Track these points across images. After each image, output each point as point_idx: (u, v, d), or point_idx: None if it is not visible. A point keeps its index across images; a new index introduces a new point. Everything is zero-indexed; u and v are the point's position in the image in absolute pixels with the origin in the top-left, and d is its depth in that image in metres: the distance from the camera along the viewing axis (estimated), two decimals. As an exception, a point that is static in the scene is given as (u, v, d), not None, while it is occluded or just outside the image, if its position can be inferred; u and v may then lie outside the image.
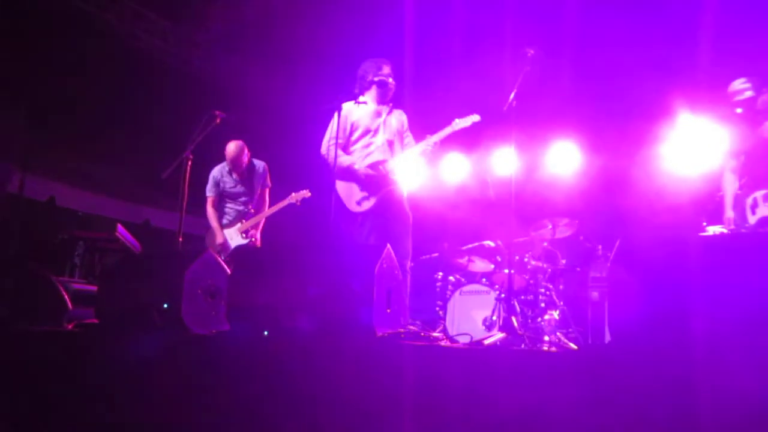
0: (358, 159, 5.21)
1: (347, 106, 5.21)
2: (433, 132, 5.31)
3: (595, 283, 6.56)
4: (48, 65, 7.79)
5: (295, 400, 3.10)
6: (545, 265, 6.70)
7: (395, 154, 5.33)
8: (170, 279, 3.93)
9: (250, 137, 6.70)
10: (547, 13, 7.40)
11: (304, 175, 6.74)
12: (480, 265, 7.10)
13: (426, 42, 8.14)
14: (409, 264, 5.24)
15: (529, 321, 6.31)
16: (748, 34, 6.38)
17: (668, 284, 2.95)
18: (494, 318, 6.12)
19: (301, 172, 6.92)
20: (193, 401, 3.31)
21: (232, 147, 6.47)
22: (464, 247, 7.13)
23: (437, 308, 6.94)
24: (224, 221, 6.55)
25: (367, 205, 5.13)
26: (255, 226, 6.53)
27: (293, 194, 6.46)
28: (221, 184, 6.57)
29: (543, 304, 6.41)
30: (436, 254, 7.40)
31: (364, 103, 5.30)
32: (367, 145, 5.27)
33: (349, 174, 5.15)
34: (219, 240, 6.44)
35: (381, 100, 5.38)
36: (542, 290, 6.49)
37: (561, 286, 6.74)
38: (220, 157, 6.60)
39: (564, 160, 7.84)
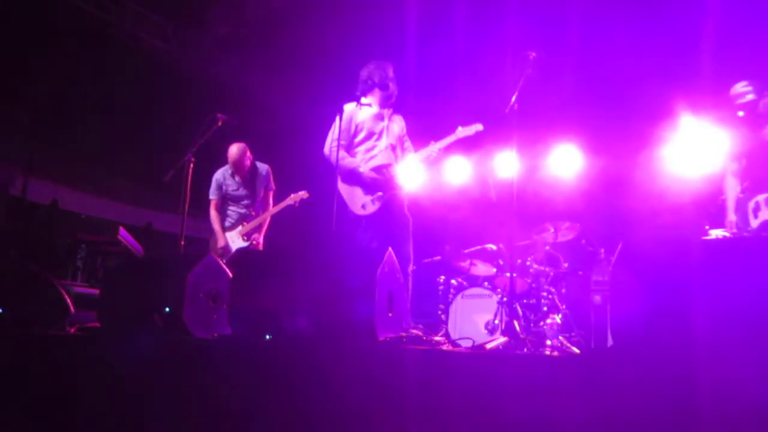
0: (362, 162, 5.21)
1: (351, 108, 5.21)
2: (436, 138, 5.32)
3: (598, 286, 6.53)
4: (50, 68, 7.81)
5: (296, 404, 3.10)
6: (547, 269, 6.69)
7: (398, 158, 5.33)
8: (172, 282, 3.93)
9: (252, 139, 6.70)
10: (549, 16, 7.40)
11: (307, 177, 6.75)
12: (482, 269, 7.09)
13: (428, 44, 8.14)
14: (410, 268, 5.24)
15: (532, 325, 6.30)
16: (750, 37, 6.38)
17: (670, 287, 2.95)
18: (496, 322, 6.11)
19: (303, 175, 6.93)
20: (195, 405, 3.30)
21: (234, 149, 6.48)
22: (466, 251, 7.12)
23: (439, 312, 6.93)
24: (226, 224, 6.56)
25: (371, 208, 5.13)
26: (258, 229, 6.52)
27: (292, 195, 6.46)
28: (224, 187, 6.57)
29: (545, 308, 6.40)
30: (438, 257, 7.40)
31: (368, 105, 5.30)
32: (371, 149, 5.27)
33: (353, 176, 5.15)
34: (220, 243, 6.44)
35: (384, 103, 5.38)
36: (544, 294, 6.48)
37: (563, 290, 6.73)
38: (222, 160, 6.60)
39: (566, 163, 7.83)
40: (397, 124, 5.46)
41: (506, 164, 7.21)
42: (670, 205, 6.63)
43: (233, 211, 6.58)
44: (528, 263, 6.70)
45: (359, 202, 5.13)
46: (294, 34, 9.08)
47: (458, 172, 8.50)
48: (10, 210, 7.87)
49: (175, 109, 8.49)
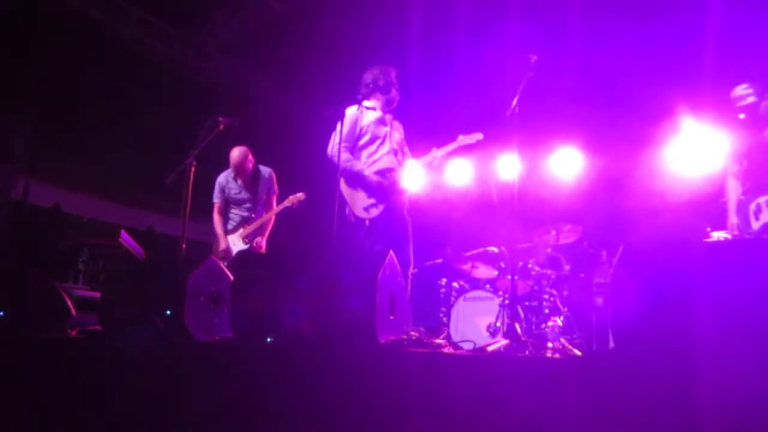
0: (365, 166, 5.22)
1: (355, 110, 5.22)
2: (438, 143, 5.34)
3: (600, 289, 6.53)
4: (53, 72, 7.82)
5: (297, 407, 3.10)
6: (549, 271, 6.68)
7: (400, 163, 5.35)
8: (173, 285, 3.93)
9: (253, 143, 6.71)
10: (550, 19, 7.41)
11: (308, 180, 6.75)
12: (484, 271, 7.08)
13: (429, 47, 8.15)
14: (411, 271, 5.24)
15: (533, 327, 6.29)
16: (751, 39, 6.37)
17: (672, 289, 2.94)
18: (498, 324, 6.11)
19: (305, 178, 6.93)
20: (196, 408, 3.30)
21: (236, 153, 6.49)
22: (468, 253, 7.11)
23: (441, 314, 6.93)
24: (229, 227, 6.57)
25: (374, 212, 5.13)
26: (260, 232, 6.52)
27: (289, 197, 6.47)
28: (226, 191, 6.59)
29: (547, 311, 6.39)
30: (440, 260, 7.40)
31: (372, 108, 5.31)
32: (374, 153, 5.27)
33: (357, 179, 5.15)
34: (221, 246, 6.46)
35: (386, 107, 5.39)
36: (546, 296, 6.48)
37: (565, 292, 6.72)
38: (224, 164, 6.61)
39: (567, 165, 7.83)
40: (398, 131, 5.48)
41: (508, 167, 7.21)
42: (671, 206, 6.62)
43: (235, 214, 6.59)
44: (529, 266, 6.69)
45: (362, 204, 5.14)
46: (295, 38, 9.10)
47: (460, 174, 8.50)
48: (13, 213, 7.88)
49: (177, 112, 8.50)
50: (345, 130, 5.14)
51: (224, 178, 6.62)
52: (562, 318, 6.25)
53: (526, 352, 3.94)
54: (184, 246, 5.54)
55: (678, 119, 6.71)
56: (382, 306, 3.48)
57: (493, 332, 6.08)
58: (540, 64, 4.60)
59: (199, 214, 6.56)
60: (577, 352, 5.22)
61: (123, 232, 6.00)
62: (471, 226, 7.87)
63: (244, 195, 6.57)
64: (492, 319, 6.19)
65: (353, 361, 3.16)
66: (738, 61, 6.22)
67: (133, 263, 5.89)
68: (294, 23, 8.93)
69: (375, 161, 5.24)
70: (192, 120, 6.22)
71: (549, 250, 7.01)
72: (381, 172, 5.21)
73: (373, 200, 5.14)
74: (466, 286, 6.81)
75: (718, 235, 5.05)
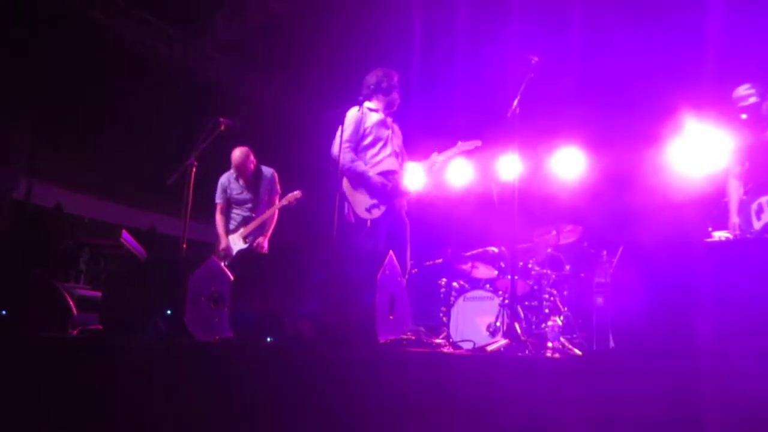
0: (368, 167, 5.23)
1: (358, 111, 5.23)
2: (438, 147, 5.35)
3: (600, 288, 6.53)
4: (54, 72, 7.84)
5: (298, 407, 3.10)
6: (549, 271, 6.68)
7: (401, 166, 5.37)
8: (174, 285, 3.94)
9: (254, 143, 6.72)
10: (551, 19, 7.41)
11: (310, 180, 6.76)
12: (484, 271, 7.08)
13: (431, 48, 8.16)
14: (412, 271, 5.26)
15: (533, 327, 6.29)
16: (753, 39, 6.37)
17: (672, 289, 2.94)
18: (498, 324, 6.11)
19: (306, 178, 6.94)
20: (196, 407, 3.31)
21: (237, 153, 6.50)
22: (468, 253, 7.11)
23: (441, 314, 6.93)
24: (230, 227, 6.59)
25: (377, 212, 5.14)
26: (261, 232, 6.53)
27: (287, 195, 6.48)
28: (228, 191, 6.60)
29: (547, 310, 6.39)
30: (440, 260, 7.40)
31: (375, 110, 5.33)
32: (377, 154, 5.28)
33: (361, 180, 5.16)
34: (222, 245, 6.47)
35: (387, 110, 5.41)
36: (546, 296, 6.47)
37: (565, 292, 6.72)
38: (225, 164, 6.62)
39: (568, 165, 7.83)
40: (398, 134, 5.50)
41: (508, 167, 7.21)
42: (672, 206, 6.62)
43: (237, 214, 6.61)
44: (530, 265, 6.69)
45: (365, 205, 5.14)
46: (296, 39, 9.11)
47: (460, 174, 8.51)
48: (15, 213, 7.90)
49: (178, 113, 8.51)
50: (349, 130, 5.15)
51: (226, 178, 6.64)
52: (562, 318, 6.25)
53: (526, 352, 3.94)
54: (185, 246, 5.55)
55: (680, 119, 6.71)
56: (381, 306, 3.48)
57: (493, 332, 6.08)
58: (541, 64, 4.60)
59: (200, 215, 6.57)
60: (578, 352, 5.21)
61: (124, 232, 6.02)
62: (471, 226, 7.88)
63: (246, 195, 6.58)
64: (492, 319, 6.19)
65: (353, 361, 3.16)
66: (740, 61, 6.22)
67: (134, 263, 5.90)
68: (295, 24, 8.93)
69: (377, 163, 5.25)
70: (193, 120, 6.22)
71: (549, 249, 7.01)
72: (383, 174, 5.22)
73: (375, 201, 5.14)
74: (466, 285, 6.81)
75: (719, 235, 5.07)
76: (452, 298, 6.65)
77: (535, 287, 6.55)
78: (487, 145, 5.74)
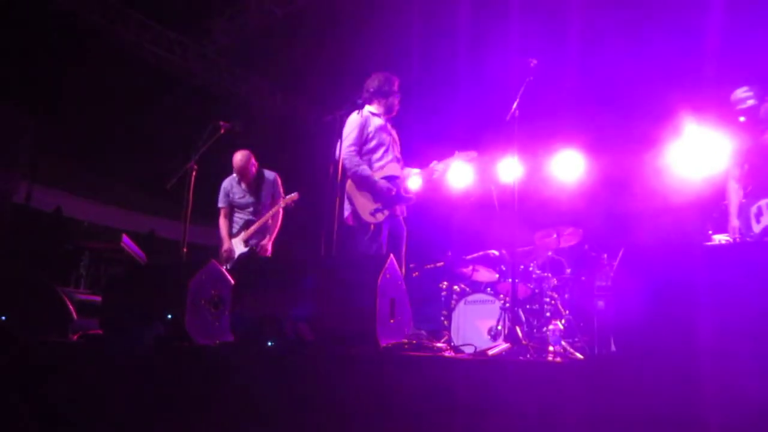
0: (373, 171, 5.24)
1: (364, 115, 5.24)
2: (438, 152, 5.38)
3: (601, 292, 6.53)
4: (55, 76, 7.84)
5: (298, 411, 3.09)
6: (550, 275, 6.68)
7: (402, 171, 5.38)
8: (174, 289, 3.93)
9: (254, 147, 6.73)
10: (551, 22, 7.42)
11: (309, 184, 6.76)
12: (485, 275, 7.08)
13: (430, 51, 8.17)
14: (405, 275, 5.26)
15: (534, 330, 6.29)
16: (752, 42, 6.38)
17: (673, 293, 2.94)
18: (499, 327, 6.11)
19: (306, 181, 6.94)
20: (196, 412, 3.30)
21: (238, 156, 6.51)
22: (469, 257, 7.11)
23: (442, 318, 6.93)
24: (233, 231, 6.60)
25: (380, 217, 5.15)
26: (262, 235, 6.54)
27: (285, 198, 6.49)
28: (230, 195, 6.62)
29: (548, 314, 6.39)
30: (441, 263, 7.40)
31: (377, 115, 5.34)
32: (380, 159, 5.29)
33: (366, 184, 5.16)
34: (224, 247, 6.48)
35: (387, 115, 5.42)
36: (547, 299, 6.47)
37: (566, 295, 6.72)
38: (225, 168, 6.63)
39: (568, 168, 7.83)
40: (396, 140, 5.52)
41: (508, 170, 7.21)
42: (672, 209, 6.62)
43: (239, 217, 6.62)
44: (531, 269, 6.69)
45: (369, 209, 5.15)
46: (296, 43, 9.12)
47: (461, 177, 8.51)
48: (14, 217, 7.90)
49: (177, 116, 8.52)
50: (354, 133, 5.16)
51: (228, 183, 6.65)
52: (563, 321, 6.24)
53: (527, 356, 3.93)
54: (185, 250, 5.56)
55: (679, 122, 6.71)
56: (382, 310, 3.48)
57: (494, 335, 6.08)
58: (540, 67, 4.61)
59: (200, 218, 6.57)
60: (579, 356, 5.20)
61: (124, 236, 6.02)
62: (472, 230, 7.87)
63: (248, 199, 6.58)
64: (493, 323, 6.18)
65: (353, 365, 3.15)
66: (738, 64, 6.23)
67: (134, 267, 5.91)
68: (294, 27, 8.94)
69: (381, 167, 5.26)
70: (193, 124, 6.23)
71: (550, 253, 7.01)
72: (386, 179, 5.23)
73: (379, 205, 5.16)
74: (467, 289, 6.81)
75: (719, 238, 5.07)
76: (453, 302, 6.65)
77: (536, 290, 6.55)
78: (486, 148, 5.75)
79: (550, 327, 6.01)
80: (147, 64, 9.26)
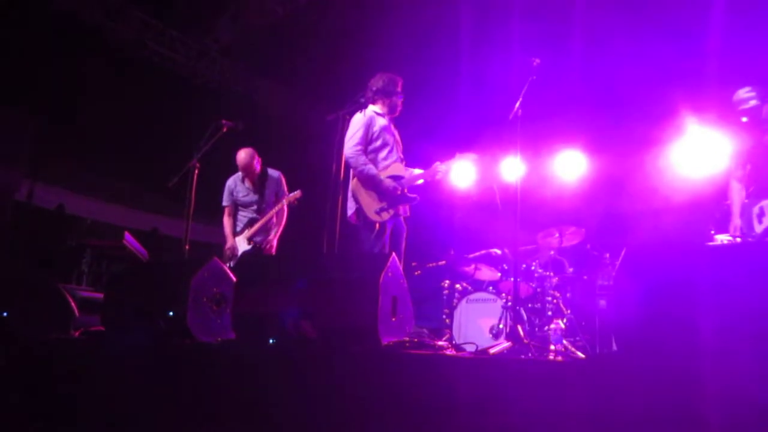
0: (379, 170, 5.26)
1: (369, 114, 5.25)
2: (440, 155, 5.39)
3: (603, 291, 6.53)
4: (56, 74, 7.86)
5: (299, 409, 3.10)
6: (552, 274, 6.68)
7: (406, 171, 5.40)
8: (176, 287, 3.94)
9: (256, 145, 6.73)
10: (554, 22, 7.41)
11: (312, 182, 6.76)
12: (487, 273, 7.08)
13: (433, 50, 8.16)
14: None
15: (536, 329, 6.29)
16: (754, 42, 6.37)
17: (675, 292, 2.94)
18: (501, 326, 6.11)
19: (308, 180, 6.95)
20: (197, 409, 3.31)
21: (242, 154, 6.52)
22: (471, 255, 7.12)
23: (444, 316, 6.93)
24: (237, 229, 6.61)
25: (385, 216, 5.16)
26: (266, 232, 6.55)
27: (288, 196, 6.50)
28: (234, 193, 6.63)
29: (550, 313, 6.39)
30: (443, 262, 7.39)
31: (382, 115, 5.35)
32: (386, 158, 5.30)
33: (373, 182, 5.17)
34: (227, 244, 6.50)
35: (389, 115, 5.43)
36: (549, 298, 6.47)
37: (568, 295, 6.72)
38: (227, 166, 6.64)
39: (571, 167, 7.83)
40: (398, 140, 5.53)
41: (511, 169, 7.21)
42: (674, 209, 6.62)
43: (243, 215, 6.64)
44: (533, 268, 6.69)
45: (375, 208, 5.16)
46: (298, 41, 9.12)
47: (463, 176, 8.51)
48: (17, 214, 7.91)
49: (180, 115, 8.53)
50: (360, 132, 5.17)
51: (233, 181, 6.67)
52: (565, 320, 6.24)
53: (529, 355, 3.93)
54: (187, 247, 5.57)
55: (681, 122, 6.71)
56: (384, 308, 3.48)
57: (495, 334, 6.08)
58: (543, 67, 4.61)
59: (203, 216, 6.58)
60: (580, 355, 5.21)
61: (126, 234, 6.03)
62: (474, 229, 7.88)
63: (252, 197, 6.59)
64: (495, 321, 6.18)
65: (355, 363, 3.16)
66: (741, 64, 6.22)
67: (136, 264, 5.92)
68: (296, 26, 8.94)
69: (386, 167, 5.27)
70: (195, 122, 6.24)
71: (552, 252, 7.01)
72: (395, 178, 5.25)
73: (384, 204, 5.17)
74: (469, 288, 6.81)
75: (721, 238, 5.06)
76: (455, 300, 6.65)
77: (538, 290, 6.56)
78: (489, 147, 5.75)
79: (552, 326, 6.00)
80: (149, 62, 9.26)
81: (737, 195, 5.25)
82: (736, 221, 5.18)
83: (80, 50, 8.13)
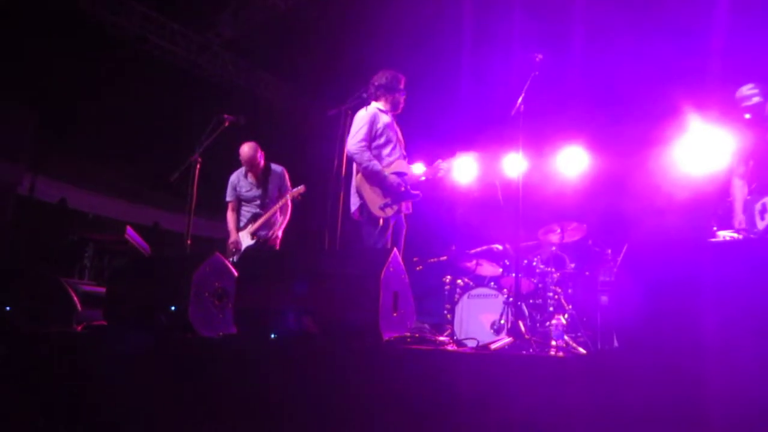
0: (383, 167, 5.26)
1: (373, 111, 5.26)
2: (442, 152, 5.40)
3: (604, 287, 6.52)
4: (58, 69, 7.85)
5: (300, 403, 3.10)
6: (554, 269, 6.68)
7: (409, 168, 5.41)
8: (178, 281, 3.95)
9: (258, 140, 6.73)
10: (556, 18, 7.40)
11: (313, 177, 6.77)
12: (488, 269, 7.09)
13: (435, 45, 8.15)
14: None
15: (538, 325, 6.29)
16: (757, 39, 6.36)
17: (677, 288, 2.94)
18: (502, 322, 6.10)
19: (310, 175, 6.95)
20: (199, 403, 3.32)
21: (245, 148, 6.52)
22: (472, 251, 7.11)
23: (445, 311, 6.93)
24: (240, 224, 6.62)
25: (389, 211, 5.19)
26: (269, 226, 6.56)
27: (292, 191, 6.50)
28: (238, 188, 6.63)
29: (551, 308, 6.39)
30: (445, 257, 7.39)
31: (385, 112, 5.35)
32: (389, 155, 5.31)
33: (377, 178, 5.18)
34: (231, 239, 6.51)
35: (392, 112, 5.44)
36: (550, 294, 6.47)
37: (570, 290, 6.71)
38: (229, 161, 6.64)
39: (573, 163, 7.82)
40: (400, 138, 5.54)
41: (513, 165, 7.20)
42: (676, 205, 6.61)
43: (246, 211, 6.65)
44: (534, 263, 6.69)
45: (379, 203, 5.18)
46: (300, 36, 9.11)
47: (465, 172, 8.51)
48: (19, 209, 7.92)
49: (182, 109, 8.53)
50: (365, 129, 5.19)
51: (236, 176, 6.67)
52: (566, 316, 6.25)
53: (530, 350, 3.94)
54: (189, 242, 5.57)
55: (684, 119, 6.69)
56: (385, 303, 3.48)
57: (497, 330, 6.08)
58: (545, 62, 4.60)
59: (204, 211, 6.58)
60: (581, 351, 5.21)
61: (128, 228, 6.04)
62: (476, 224, 7.87)
63: (255, 192, 6.60)
64: (496, 317, 6.18)
65: (356, 358, 3.16)
66: (744, 61, 6.21)
67: (138, 259, 5.92)
68: (298, 21, 8.94)
69: (390, 164, 5.29)
70: (197, 117, 6.24)
71: (554, 248, 7.01)
72: (399, 175, 5.26)
73: (388, 200, 5.19)
74: (471, 283, 6.81)
75: (724, 235, 5.06)
76: (456, 296, 6.65)
77: (540, 285, 6.55)
78: (491, 143, 5.75)
79: (553, 321, 5.99)
80: (151, 56, 9.26)
81: (739, 191, 5.25)
82: (740, 215, 5.18)
83: (82, 44, 8.13)
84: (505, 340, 4.01)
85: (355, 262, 3.70)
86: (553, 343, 4.85)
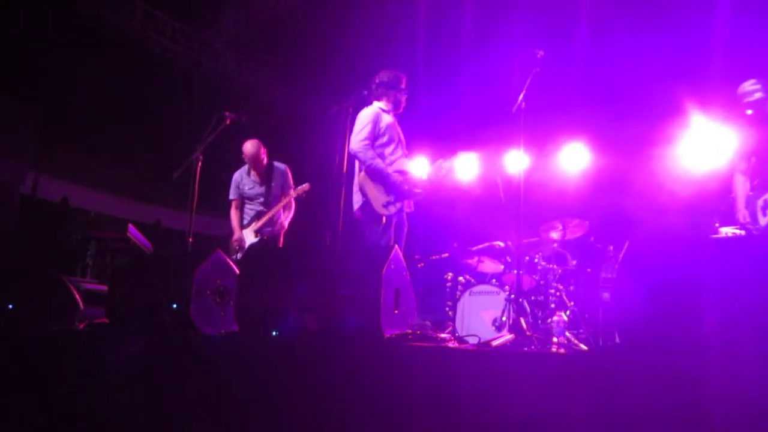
0: (386, 165, 5.28)
1: (376, 110, 5.28)
2: (443, 151, 5.41)
3: (606, 284, 6.52)
4: (60, 66, 7.85)
5: (302, 401, 3.11)
6: (555, 266, 6.68)
7: (410, 167, 5.42)
8: (180, 279, 3.95)
9: (260, 138, 6.73)
10: (558, 15, 7.39)
11: (316, 175, 6.77)
12: (490, 266, 7.09)
13: (437, 43, 8.14)
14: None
15: (539, 322, 6.29)
16: (759, 34, 6.34)
17: (679, 284, 2.94)
18: (504, 319, 6.11)
19: (312, 173, 6.95)
20: (200, 401, 3.32)
21: (248, 145, 6.53)
22: (474, 248, 7.11)
23: (447, 308, 6.94)
24: (243, 222, 6.63)
25: (392, 209, 5.21)
26: (279, 226, 6.57)
27: (296, 188, 6.51)
28: (241, 186, 6.64)
29: (553, 305, 6.39)
30: (446, 254, 7.39)
31: (387, 111, 5.36)
32: (392, 154, 5.33)
33: (380, 177, 5.20)
34: (235, 236, 6.53)
35: (394, 111, 5.45)
36: (552, 291, 6.47)
37: (571, 287, 6.72)
38: (231, 158, 6.64)
39: (574, 160, 7.82)
40: (403, 138, 5.55)
41: (514, 162, 7.20)
42: (678, 202, 6.61)
43: (250, 208, 6.66)
44: (536, 260, 6.69)
45: (382, 201, 5.19)
46: (302, 34, 9.10)
47: (466, 169, 8.51)
48: (21, 207, 7.93)
49: (183, 107, 8.53)
50: (368, 128, 5.21)
51: (239, 174, 6.69)
52: (568, 313, 6.25)
53: (532, 347, 3.94)
54: (190, 240, 5.57)
55: (686, 115, 6.68)
56: (387, 300, 3.49)
57: (498, 327, 6.08)
58: (547, 59, 4.60)
59: (206, 209, 6.58)
60: (583, 347, 5.21)
61: (130, 226, 6.05)
62: (477, 221, 7.87)
63: (258, 190, 6.61)
64: (498, 314, 6.19)
65: (358, 355, 3.17)
66: (746, 57, 6.19)
67: (140, 257, 5.93)
68: (301, 18, 8.93)
69: (392, 162, 5.31)
70: (198, 115, 6.24)
71: (555, 244, 7.01)
72: (401, 173, 5.27)
73: (391, 198, 5.20)
74: (472, 280, 6.82)
75: (726, 231, 5.06)
76: (458, 293, 6.66)
77: (541, 282, 6.55)
78: (493, 139, 5.75)
79: (555, 318, 5.99)
80: (153, 54, 9.25)
81: (742, 187, 5.25)
82: (742, 210, 5.18)
83: (83, 42, 8.12)
84: (506, 337, 4.01)
85: (357, 260, 3.71)
86: (555, 340, 4.86)
